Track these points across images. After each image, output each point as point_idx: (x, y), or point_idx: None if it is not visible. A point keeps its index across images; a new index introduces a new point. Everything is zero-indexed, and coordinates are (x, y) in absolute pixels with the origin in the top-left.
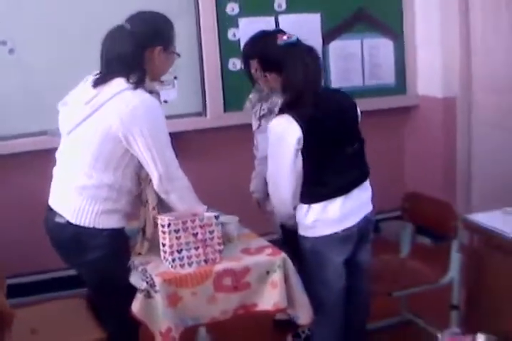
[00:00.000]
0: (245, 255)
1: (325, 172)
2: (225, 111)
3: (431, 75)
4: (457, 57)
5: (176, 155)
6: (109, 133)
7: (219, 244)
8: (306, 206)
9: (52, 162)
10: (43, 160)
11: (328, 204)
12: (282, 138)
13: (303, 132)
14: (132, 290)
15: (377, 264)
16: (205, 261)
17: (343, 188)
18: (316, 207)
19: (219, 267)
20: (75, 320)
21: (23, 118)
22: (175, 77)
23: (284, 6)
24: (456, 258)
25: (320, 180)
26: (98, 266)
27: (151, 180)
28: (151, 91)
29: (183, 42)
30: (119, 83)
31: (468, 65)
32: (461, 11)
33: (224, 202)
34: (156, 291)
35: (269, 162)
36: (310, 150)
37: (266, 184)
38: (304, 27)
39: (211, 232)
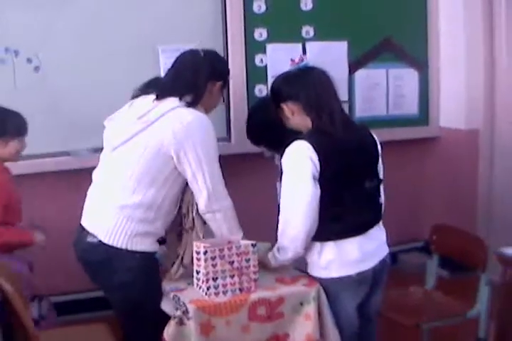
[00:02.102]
0: (280, 284)
1: (342, 207)
2: None
3: (454, 107)
4: (481, 88)
5: None
6: (161, 149)
7: (254, 272)
8: (319, 244)
9: (75, 183)
10: (65, 180)
11: (344, 243)
12: (298, 165)
13: (320, 159)
14: (161, 317)
15: (402, 296)
16: (240, 290)
17: (360, 226)
18: (332, 246)
19: (254, 296)
20: None
21: (46, 137)
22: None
23: (311, 33)
24: (484, 292)
25: (336, 216)
26: (128, 289)
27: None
28: None
29: None
30: (173, 101)
31: (492, 97)
32: (485, 44)
33: (247, 229)
34: (188, 318)
35: (283, 194)
36: (327, 180)
37: None
38: (330, 54)
39: (247, 260)
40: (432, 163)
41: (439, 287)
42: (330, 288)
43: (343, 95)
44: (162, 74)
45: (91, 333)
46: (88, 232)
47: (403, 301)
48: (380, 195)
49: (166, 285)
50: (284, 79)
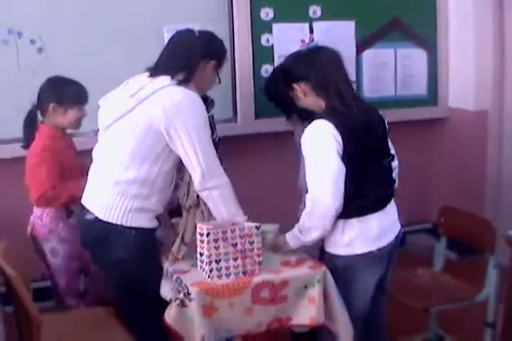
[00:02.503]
0: (285, 267)
1: (364, 184)
2: (256, 118)
3: (463, 87)
4: (490, 69)
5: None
6: (151, 127)
7: (258, 255)
8: (341, 221)
9: None
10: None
11: (366, 219)
12: (323, 143)
13: (342, 137)
14: (161, 299)
15: (410, 278)
16: (244, 273)
17: (381, 202)
18: (355, 223)
19: (257, 279)
20: (102, 328)
21: None
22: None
23: (318, 13)
24: (493, 275)
25: (359, 193)
26: (125, 266)
27: None
28: None
29: None
30: (164, 79)
31: (501, 78)
32: (495, 24)
33: (250, 211)
34: (190, 300)
35: (310, 173)
36: (349, 158)
37: None
38: (338, 34)
39: (251, 243)
40: (440, 144)
41: (447, 269)
42: (353, 264)
43: (350, 75)
44: None
45: (95, 316)
46: (87, 210)
47: (411, 283)
48: (392, 171)
49: (169, 267)
50: (295, 59)
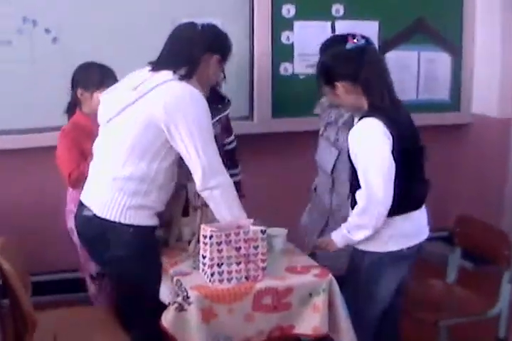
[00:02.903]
0: (290, 273)
1: (410, 183)
2: (273, 116)
3: (487, 93)
4: None
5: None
6: (151, 122)
7: (263, 260)
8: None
9: None
10: None
11: (408, 217)
12: (377, 140)
13: (392, 135)
14: (160, 302)
15: (422, 288)
16: (247, 278)
17: (420, 200)
18: (398, 220)
19: (260, 285)
20: (99, 327)
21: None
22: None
23: (341, 12)
24: (507, 289)
25: (405, 191)
26: (122, 264)
27: None
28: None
29: (234, 42)
30: (166, 74)
31: None
32: None
33: (263, 211)
34: (189, 304)
35: (364, 170)
36: (398, 156)
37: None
38: None
39: (255, 247)
40: (461, 151)
41: (461, 280)
42: (381, 261)
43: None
44: None
45: (93, 315)
46: (85, 206)
47: (422, 295)
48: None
49: (170, 269)
50: (340, 57)
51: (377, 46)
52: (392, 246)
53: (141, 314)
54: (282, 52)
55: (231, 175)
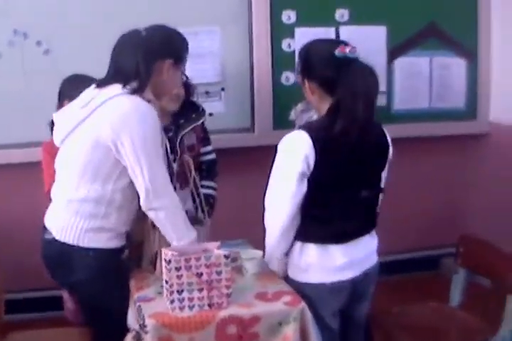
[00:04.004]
0: (259, 301)
1: (330, 211)
2: (274, 128)
3: (506, 101)
4: None
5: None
6: (99, 141)
7: (227, 286)
8: (299, 244)
9: None
10: None
11: (325, 248)
12: (290, 156)
13: (316, 155)
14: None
15: (424, 313)
16: (209, 305)
17: (346, 235)
18: (311, 249)
19: (224, 313)
20: None
21: None
22: (222, 89)
23: (346, 17)
24: (511, 316)
25: (322, 218)
26: (85, 289)
27: None
28: (148, 101)
29: (233, 50)
30: (114, 88)
31: None
32: None
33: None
34: (146, 332)
35: (270, 181)
36: (319, 179)
37: None
38: (367, 40)
39: (219, 273)
40: (478, 162)
41: (470, 302)
42: (305, 292)
43: (380, 85)
44: None
45: (67, 337)
46: (46, 229)
47: (421, 320)
48: (377, 204)
49: (135, 294)
50: (323, 58)
51: (385, 52)
52: (314, 278)
53: (108, 338)
54: (283, 60)
55: (206, 187)
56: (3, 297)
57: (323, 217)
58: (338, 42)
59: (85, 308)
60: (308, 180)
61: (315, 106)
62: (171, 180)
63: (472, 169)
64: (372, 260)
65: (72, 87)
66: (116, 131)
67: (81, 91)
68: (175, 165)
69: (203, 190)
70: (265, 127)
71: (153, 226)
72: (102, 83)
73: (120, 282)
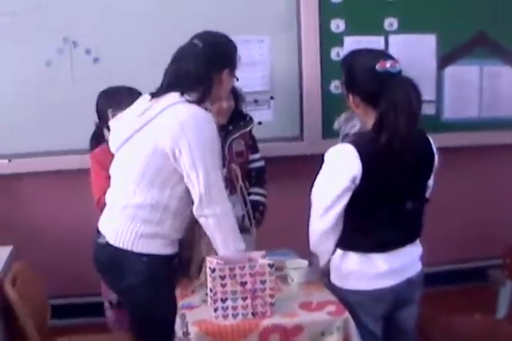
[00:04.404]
0: (303, 310)
1: (372, 223)
2: (323, 137)
3: None
4: None
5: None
6: (158, 147)
7: (271, 295)
8: (341, 252)
9: None
10: None
11: (365, 257)
12: (336, 170)
13: (362, 170)
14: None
15: (470, 324)
16: (253, 314)
17: (386, 245)
18: (353, 257)
19: (268, 322)
20: None
21: None
22: (271, 97)
23: (395, 25)
24: None
25: (363, 229)
26: (133, 293)
27: None
28: (205, 109)
29: (282, 59)
30: (173, 96)
31: None
32: None
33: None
34: (189, 340)
35: (313, 190)
36: (364, 192)
37: None
38: (417, 49)
39: (263, 282)
40: None
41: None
42: (346, 298)
43: (430, 94)
44: None
45: None
46: (100, 233)
47: (467, 331)
48: (422, 214)
49: (180, 302)
50: (365, 72)
51: (435, 61)
52: (354, 285)
53: None
54: (332, 69)
55: (254, 194)
56: (48, 302)
57: (366, 227)
58: (379, 55)
59: (133, 314)
60: (353, 193)
61: (361, 119)
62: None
63: None
64: (416, 268)
65: (109, 100)
66: (175, 138)
67: (120, 103)
68: (224, 171)
69: (252, 197)
70: (314, 136)
71: (204, 233)
72: (158, 93)
73: (169, 289)
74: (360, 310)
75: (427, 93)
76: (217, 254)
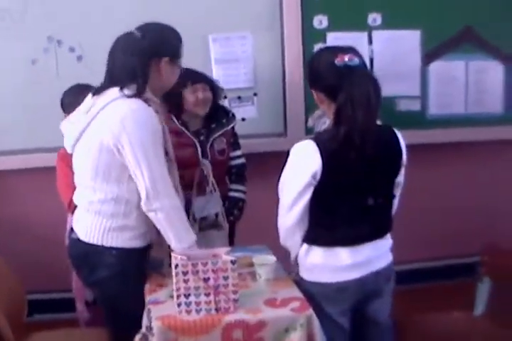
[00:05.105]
0: (267, 307)
1: (333, 218)
2: (307, 133)
3: None
4: None
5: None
6: (103, 144)
7: (234, 292)
8: (306, 246)
9: None
10: None
11: (329, 251)
12: (297, 167)
13: (323, 166)
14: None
15: (446, 321)
16: (216, 310)
17: (348, 240)
18: (317, 251)
19: (230, 317)
20: None
21: None
22: (255, 94)
23: (379, 21)
24: None
25: (326, 224)
26: (104, 287)
27: None
28: (146, 100)
29: (265, 55)
30: (112, 92)
31: None
32: None
33: None
34: (152, 335)
35: (279, 187)
36: (325, 187)
37: None
38: (401, 45)
39: (225, 278)
40: None
41: (495, 311)
42: (312, 291)
43: (414, 90)
44: (213, 64)
45: (84, 337)
46: (72, 229)
47: (442, 329)
48: (389, 210)
49: (147, 297)
50: (325, 68)
51: (419, 56)
52: (318, 277)
53: (124, 340)
54: None
55: (234, 191)
56: (25, 298)
57: (329, 223)
58: (339, 49)
59: (104, 308)
60: (315, 188)
61: (327, 115)
62: (202, 183)
63: (508, 175)
64: (385, 260)
65: (73, 97)
66: (116, 135)
67: (82, 100)
68: (209, 165)
69: (232, 194)
70: (298, 132)
71: None
72: (99, 89)
73: (139, 283)
74: (325, 302)
75: (412, 89)
76: None
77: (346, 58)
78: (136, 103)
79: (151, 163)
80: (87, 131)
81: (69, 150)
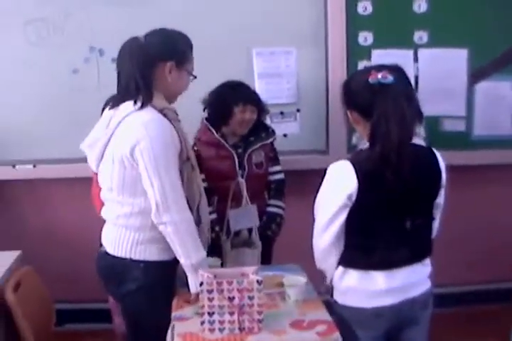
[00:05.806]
0: (293, 329)
1: (370, 240)
2: (348, 151)
3: None
4: None
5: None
6: (124, 160)
7: (259, 312)
8: (342, 269)
9: None
10: None
11: (364, 274)
12: (333, 188)
13: (359, 187)
14: None
15: None
16: (240, 330)
17: (385, 263)
18: (352, 274)
19: (254, 338)
20: None
21: None
22: (297, 110)
23: (425, 39)
24: None
25: (362, 246)
26: (131, 301)
27: None
28: (162, 110)
29: (309, 71)
30: (126, 106)
31: None
32: None
33: None
34: None
35: (315, 206)
36: (360, 210)
37: None
38: (447, 63)
39: (251, 298)
40: None
41: None
42: (345, 314)
43: (460, 110)
44: (256, 78)
45: None
46: (101, 243)
47: None
48: (428, 233)
49: (173, 312)
50: (358, 87)
51: (466, 76)
52: (352, 301)
53: None
54: None
55: (272, 206)
56: (54, 307)
57: (365, 245)
58: (373, 68)
59: (129, 321)
60: (351, 209)
61: (362, 136)
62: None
63: None
64: (422, 287)
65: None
66: (131, 149)
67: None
68: (243, 180)
69: (270, 209)
70: (339, 149)
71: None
72: (114, 102)
73: (167, 298)
74: (358, 327)
75: (457, 109)
76: None
77: (380, 76)
78: (148, 114)
79: (163, 176)
80: (108, 147)
81: (94, 170)
